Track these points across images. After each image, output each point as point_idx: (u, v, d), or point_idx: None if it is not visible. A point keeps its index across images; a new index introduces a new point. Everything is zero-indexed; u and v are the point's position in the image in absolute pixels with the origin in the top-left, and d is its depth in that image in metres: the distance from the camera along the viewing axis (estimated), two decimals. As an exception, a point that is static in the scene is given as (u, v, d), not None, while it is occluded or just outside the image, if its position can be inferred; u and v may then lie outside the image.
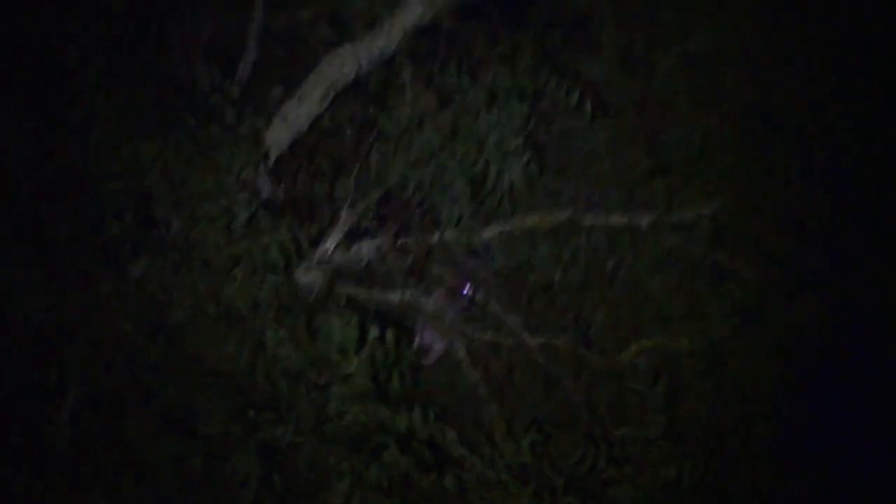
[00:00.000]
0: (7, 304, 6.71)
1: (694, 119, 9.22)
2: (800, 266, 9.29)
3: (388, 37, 7.89)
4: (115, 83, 6.80)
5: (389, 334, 6.51)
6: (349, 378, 6.44)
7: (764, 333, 9.14)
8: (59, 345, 6.63)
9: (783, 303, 9.25)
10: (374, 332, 6.50)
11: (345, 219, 7.89)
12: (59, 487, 6.50)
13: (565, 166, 9.14)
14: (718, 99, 9.19)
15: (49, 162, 6.81)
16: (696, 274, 8.95)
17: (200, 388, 6.58)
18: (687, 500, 7.33)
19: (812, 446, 9.57)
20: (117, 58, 6.86)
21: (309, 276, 7.48)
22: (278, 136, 7.55)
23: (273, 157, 7.51)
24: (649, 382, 6.89)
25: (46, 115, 6.87)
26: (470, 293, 8.35)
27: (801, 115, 9.31)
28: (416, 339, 8.08)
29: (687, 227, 8.77)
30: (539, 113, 7.79)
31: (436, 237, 8.15)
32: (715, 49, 9.11)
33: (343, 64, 7.78)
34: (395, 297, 8.06)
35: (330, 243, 7.77)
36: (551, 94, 8.11)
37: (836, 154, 9.46)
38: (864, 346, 10.19)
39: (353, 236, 8.01)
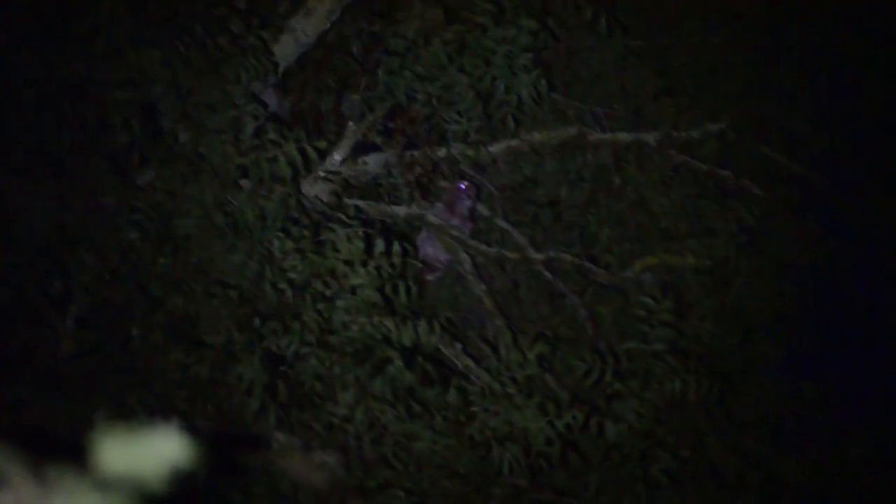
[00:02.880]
0: (13, 213, 6.71)
1: (703, 39, 9.20)
2: (806, 185, 9.29)
3: (397, -49, 7.87)
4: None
5: (395, 247, 6.51)
6: (355, 290, 6.45)
7: (769, 252, 9.16)
8: (65, 254, 6.63)
9: (789, 221, 9.26)
10: (380, 245, 6.50)
11: (352, 132, 7.88)
12: (63, 396, 6.53)
13: (573, 84, 9.13)
14: (727, 19, 9.17)
15: (54, 71, 6.78)
16: (703, 191, 8.95)
17: (206, 298, 6.59)
18: (691, 416, 7.37)
19: (816, 366, 9.60)
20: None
21: (316, 189, 7.48)
22: (285, 50, 7.53)
23: (280, 70, 7.49)
24: (655, 298, 6.88)
25: (51, 24, 6.84)
26: (475, 207, 8.36)
27: (809, 34, 9.29)
28: (421, 252, 8.10)
29: (694, 145, 8.76)
30: (547, 30, 7.72)
31: (442, 152, 8.14)
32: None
33: (350, -23, 7.76)
34: (401, 210, 8.07)
35: (337, 156, 7.77)
36: (560, 10, 8.07)
37: (845, 73, 9.45)
38: (870, 265, 10.22)
39: (359, 150, 8.00)
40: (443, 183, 8.32)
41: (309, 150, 6.71)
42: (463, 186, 8.20)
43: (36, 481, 1.44)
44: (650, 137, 8.65)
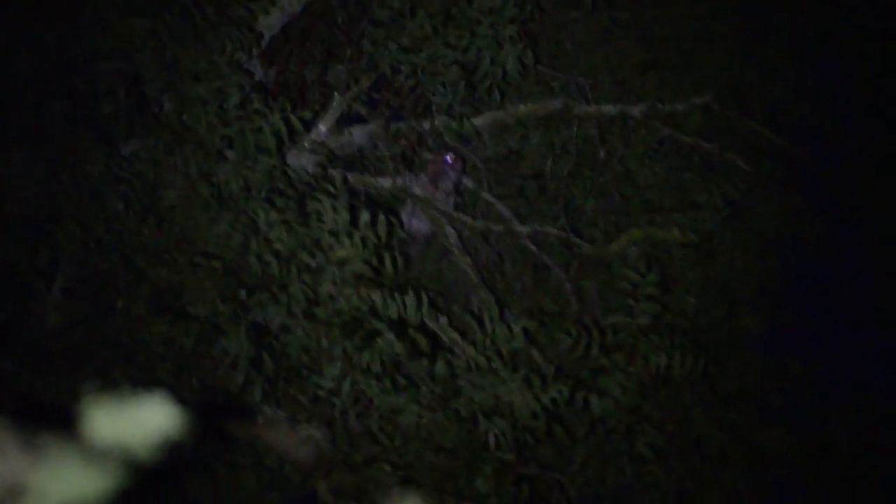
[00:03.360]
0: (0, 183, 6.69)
1: (687, 12, 9.19)
2: (791, 158, 9.29)
3: (383, -80, 7.82)
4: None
5: (381, 219, 6.49)
6: (341, 262, 6.43)
7: (754, 225, 9.17)
8: (51, 224, 6.61)
9: (774, 195, 9.27)
10: (365, 216, 6.47)
11: (337, 104, 7.85)
12: (49, 367, 6.51)
13: (558, 56, 9.12)
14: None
15: (41, 40, 6.75)
16: (687, 165, 8.96)
17: (191, 269, 6.57)
18: (676, 390, 7.37)
19: (800, 340, 9.63)
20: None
21: (301, 160, 7.46)
22: (271, 20, 7.49)
23: (266, 40, 7.45)
24: (640, 272, 6.88)
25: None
26: (460, 179, 8.35)
27: (793, 7, 9.29)
28: (406, 224, 8.08)
29: (679, 118, 8.75)
30: (533, 1, 7.70)
31: (427, 124, 8.12)
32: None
33: (336, -53, 7.73)
34: (386, 182, 8.06)
35: (322, 127, 7.75)
36: (546, -19, 8.07)
37: (830, 46, 9.45)
38: (855, 239, 10.23)
39: (345, 121, 7.98)
40: (428, 155, 8.30)
41: (294, 120, 6.68)
42: (448, 159, 8.19)
43: (25, 449, 1.43)
44: (635, 110, 8.64)
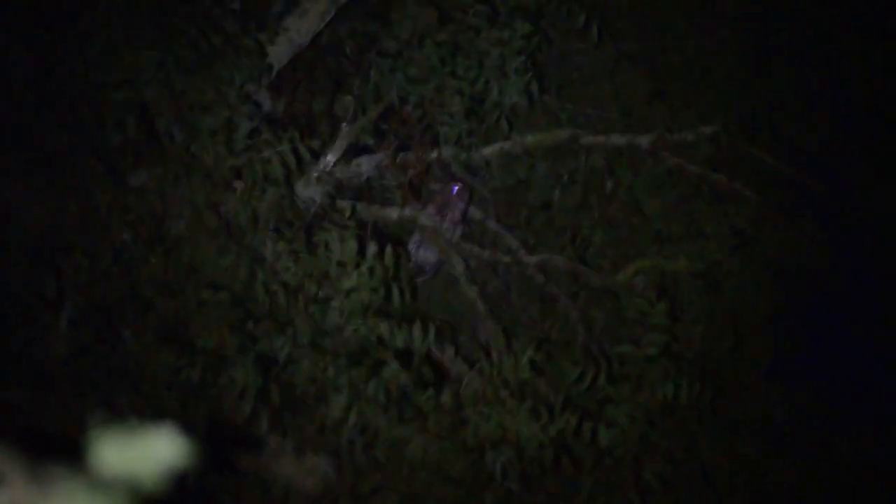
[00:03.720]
0: (6, 213, 6.70)
1: (694, 43, 9.22)
2: (799, 188, 9.29)
3: (391, -48, 7.87)
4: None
5: (388, 250, 6.50)
6: (348, 292, 6.44)
7: (762, 255, 9.17)
8: (58, 255, 6.62)
9: (782, 224, 9.27)
10: (373, 247, 6.49)
11: (344, 134, 7.88)
12: (56, 397, 6.51)
13: (565, 87, 9.14)
14: (718, 22, 9.19)
15: (50, 72, 6.78)
16: (695, 194, 8.97)
17: (198, 300, 6.58)
18: (684, 419, 7.37)
19: (808, 370, 9.61)
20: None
21: (309, 191, 7.48)
22: (279, 51, 7.52)
23: (274, 70, 7.48)
24: (648, 301, 6.88)
25: (47, 24, 6.84)
26: (467, 210, 8.36)
27: (800, 36, 9.31)
28: (412, 254, 8.10)
29: (686, 148, 8.76)
30: (540, 33, 7.72)
31: (435, 154, 8.14)
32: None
33: (345, -21, 7.76)
34: (393, 213, 8.07)
35: (330, 158, 7.77)
36: (553, 14, 8.08)
37: (836, 75, 9.46)
38: (863, 269, 10.23)
39: (352, 152, 8.01)
40: (435, 185, 8.32)
41: (302, 150, 6.69)
42: (455, 189, 8.20)
43: (32, 480, 1.44)
44: (643, 140, 8.65)
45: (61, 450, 1.62)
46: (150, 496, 1.50)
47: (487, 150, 8.29)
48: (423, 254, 8.19)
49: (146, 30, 6.63)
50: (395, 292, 6.52)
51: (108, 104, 6.68)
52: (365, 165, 8.07)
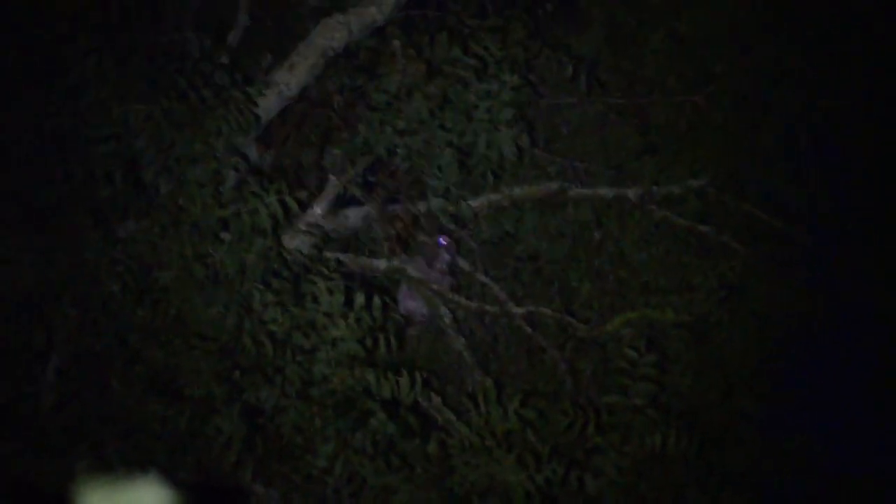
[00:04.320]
0: (-6, 263, 6.74)
1: (682, 97, 9.26)
2: (786, 241, 9.33)
3: (380, 7, 7.92)
4: (106, 48, 6.80)
5: (376, 300, 6.52)
6: (336, 343, 6.46)
7: (751, 307, 9.19)
8: (46, 305, 6.64)
9: (769, 277, 9.30)
10: (360, 298, 6.51)
11: (332, 186, 7.91)
12: (43, 447, 6.52)
13: (554, 139, 9.19)
14: (706, 78, 9.24)
15: (39, 125, 6.82)
16: (683, 247, 9.00)
17: (186, 350, 6.59)
18: (671, 470, 7.36)
19: (796, 423, 9.61)
20: (108, 23, 6.86)
21: (296, 241, 7.50)
22: (268, 103, 7.55)
23: (263, 123, 7.51)
24: (636, 352, 6.90)
25: (38, 78, 6.89)
26: (455, 261, 8.38)
27: (787, 93, 9.36)
28: (401, 305, 8.12)
29: (675, 201, 8.80)
30: (529, 86, 7.78)
31: (423, 206, 8.16)
32: (703, 29, 9.15)
33: (334, 33, 7.80)
34: (381, 264, 8.09)
35: (318, 209, 7.79)
36: (542, 67, 8.14)
37: (824, 129, 9.52)
38: (852, 321, 10.24)
39: (340, 203, 8.03)
40: (423, 237, 8.33)
41: (290, 201, 6.72)
42: (443, 241, 8.22)
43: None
44: (631, 193, 8.71)
45: (50, 501, 1.66)
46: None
47: (475, 203, 8.32)
48: (412, 305, 8.20)
49: (135, 83, 6.68)
50: (382, 342, 6.54)
51: (96, 157, 6.71)
52: (352, 217, 8.09)
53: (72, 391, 6.76)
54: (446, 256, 8.22)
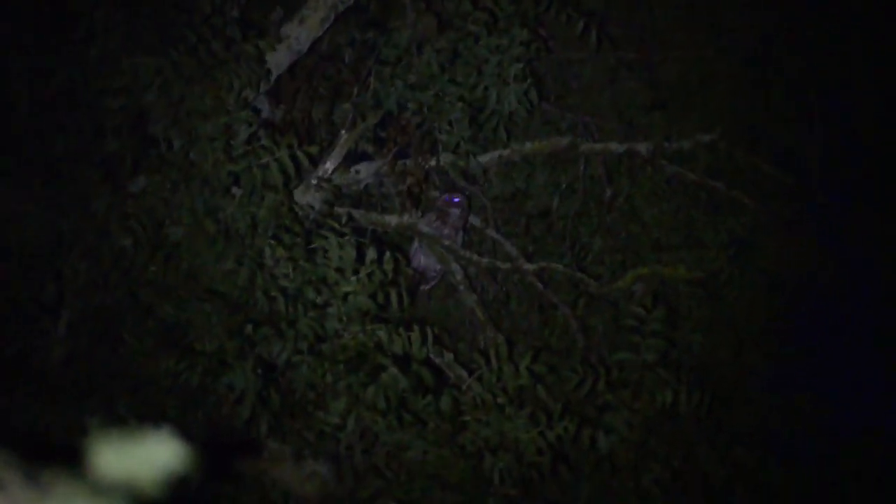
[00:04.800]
0: (6, 219, 6.71)
1: (693, 51, 9.22)
2: (798, 196, 9.30)
3: (390, -40, 7.88)
4: (114, 1, 6.77)
5: (387, 256, 6.50)
6: (347, 298, 6.44)
7: (761, 263, 9.18)
8: (57, 260, 6.63)
9: (780, 233, 9.27)
10: (371, 253, 6.49)
11: (343, 141, 7.88)
12: (54, 401, 6.52)
13: (564, 95, 9.16)
14: (716, 32, 9.20)
15: (48, 78, 6.79)
16: (694, 202, 8.99)
17: (198, 305, 6.58)
18: (682, 427, 7.37)
19: (806, 380, 9.60)
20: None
21: (307, 197, 7.48)
22: (278, 57, 7.51)
23: (273, 77, 7.47)
24: (647, 309, 6.89)
25: (46, 31, 6.85)
26: (466, 217, 8.36)
27: (799, 47, 9.31)
28: (414, 262, 8.11)
29: (685, 156, 8.77)
30: (539, 40, 7.73)
31: (434, 161, 8.14)
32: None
33: (344, -14, 7.76)
34: (392, 220, 8.07)
35: (328, 165, 7.77)
36: (552, 22, 8.09)
37: (835, 85, 9.47)
38: (862, 277, 10.22)
39: (351, 159, 8.01)
40: (434, 193, 8.32)
41: (301, 156, 6.68)
42: (456, 199, 8.20)
43: (31, 485, 1.44)
44: (642, 148, 8.66)
45: (60, 454, 1.63)
46: (149, 501, 1.50)
47: (486, 158, 8.28)
48: (424, 261, 8.19)
49: (144, 36, 6.64)
50: (394, 298, 6.52)
51: (106, 110, 6.68)
52: (364, 172, 8.07)
53: (82, 346, 6.75)
54: (458, 212, 8.21)
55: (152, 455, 1.51)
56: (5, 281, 6.59)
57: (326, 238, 6.49)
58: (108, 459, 1.49)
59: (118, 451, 1.49)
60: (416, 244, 8.18)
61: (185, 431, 1.65)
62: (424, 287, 8.29)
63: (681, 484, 7.42)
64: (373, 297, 6.43)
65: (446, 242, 8.06)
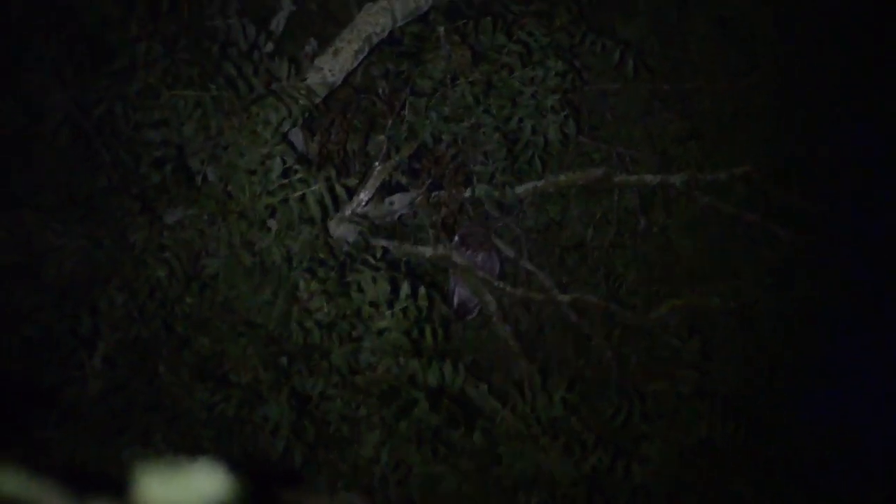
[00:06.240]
0: (43, 251, 6.76)
1: (727, 83, 9.24)
2: (833, 228, 9.29)
3: (424, -8, 7.91)
4: (155, 34, 6.81)
5: (422, 289, 6.51)
6: (381, 332, 6.45)
7: (796, 294, 9.16)
8: (93, 292, 6.67)
9: (814, 265, 9.26)
10: (406, 288, 6.50)
11: (377, 173, 7.90)
12: (90, 434, 6.54)
13: (599, 126, 9.18)
14: (751, 63, 9.22)
15: (87, 110, 6.85)
16: (729, 234, 8.99)
17: (233, 337, 6.60)
18: (717, 458, 7.35)
19: (843, 409, 9.58)
20: (156, 8, 6.87)
21: (342, 229, 7.50)
22: (313, 90, 7.54)
23: (308, 111, 7.50)
24: (681, 339, 6.89)
25: (87, 65, 6.91)
26: (500, 249, 8.38)
27: (833, 79, 9.33)
28: (455, 296, 8.12)
29: (720, 188, 8.77)
30: (574, 71, 7.76)
31: (468, 193, 8.15)
32: (747, 14, 9.13)
33: (378, 18, 7.78)
34: (426, 251, 8.08)
35: (363, 197, 7.79)
36: (586, 53, 8.11)
37: (870, 117, 9.47)
38: (898, 308, 10.20)
39: (385, 191, 8.03)
40: (468, 224, 8.33)
41: (339, 189, 6.70)
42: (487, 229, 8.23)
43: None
44: (676, 179, 8.66)
45: (100, 486, 1.64)
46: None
47: (521, 189, 8.30)
48: (464, 293, 8.20)
49: (183, 69, 6.68)
50: (428, 332, 6.53)
51: (144, 143, 6.73)
52: (398, 204, 8.09)
53: (119, 378, 6.78)
54: (492, 244, 8.23)
55: (194, 486, 1.52)
56: (41, 313, 6.62)
57: (360, 272, 6.51)
58: (150, 490, 1.50)
59: (160, 482, 1.51)
60: (453, 277, 8.18)
61: (220, 463, 1.66)
62: (469, 317, 8.29)
63: (716, 516, 7.42)
64: (407, 333, 6.44)
65: (480, 274, 8.06)
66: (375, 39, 7.80)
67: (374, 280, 6.46)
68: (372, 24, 7.76)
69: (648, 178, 8.72)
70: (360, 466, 6.73)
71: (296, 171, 6.72)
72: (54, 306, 6.68)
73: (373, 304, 6.46)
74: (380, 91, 8.37)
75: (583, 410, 6.88)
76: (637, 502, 7.01)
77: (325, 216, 6.93)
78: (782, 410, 9.02)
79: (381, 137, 8.14)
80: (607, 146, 8.97)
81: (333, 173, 6.78)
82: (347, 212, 7.63)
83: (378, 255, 7.06)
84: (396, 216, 8.16)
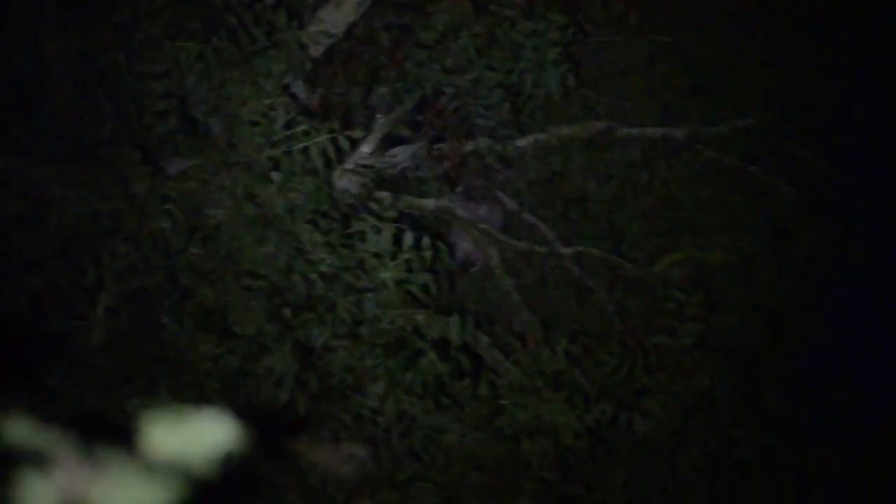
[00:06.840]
0: (46, 201, 6.76)
1: (729, 36, 9.20)
2: (834, 180, 9.27)
3: (426, -56, 7.88)
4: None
5: (425, 239, 6.51)
6: (385, 283, 6.46)
7: (797, 247, 9.15)
8: (97, 243, 6.66)
9: (817, 217, 9.25)
10: (408, 238, 6.50)
11: (380, 125, 7.88)
12: (94, 384, 6.56)
13: (601, 79, 9.14)
14: (753, 17, 9.17)
15: (91, 61, 6.83)
16: (731, 187, 8.97)
17: (237, 289, 6.60)
18: (719, 411, 7.38)
19: (844, 362, 9.57)
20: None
21: (344, 182, 7.49)
22: (315, 42, 7.51)
23: (310, 62, 7.48)
24: (684, 293, 6.90)
25: (90, 14, 6.89)
26: (503, 201, 8.37)
27: (837, 31, 9.28)
28: (458, 248, 8.11)
29: (722, 141, 8.75)
30: (575, 25, 7.73)
31: (471, 145, 8.14)
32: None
33: (380, -30, 7.77)
34: (429, 203, 8.07)
35: (365, 149, 7.77)
36: (588, 6, 8.08)
37: (874, 68, 9.42)
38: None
39: (388, 143, 8.01)
40: (471, 176, 8.32)
41: (342, 139, 6.69)
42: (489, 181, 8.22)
43: (86, 463, 1.46)
44: (678, 133, 8.64)
45: (110, 434, 1.65)
46: (199, 478, 1.52)
47: (523, 142, 8.28)
48: (466, 246, 8.18)
49: (186, 21, 6.67)
50: (432, 283, 6.53)
51: (148, 94, 6.72)
52: (400, 156, 8.08)
53: (122, 328, 6.79)
54: (494, 196, 8.22)
55: (203, 433, 1.53)
56: (46, 264, 6.62)
57: (364, 222, 6.51)
58: (160, 438, 1.51)
59: (169, 430, 1.51)
60: (458, 230, 8.16)
61: (225, 412, 1.67)
62: (473, 269, 8.28)
63: (717, 468, 7.44)
64: (410, 282, 6.45)
65: (483, 226, 8.06)
66: (378, -9, 7.78)
67: (377, 231, 6.46)
68: (374, -25, 7.75)
69: (650, 131, 8.71)
70: (363, 417, 6.75)
71: (299, 123, 6.72)
72: (58, 256, 6.68)
73: (376, 255, 6.46)
74: (382, 43, 8.34)
75: (585, 363, 6.89)
76: (639, 454, 7.04)
77: (329, 168, 6.92)
78: (783, 363, 9.01)
79: (384, 90, 8.12)
80: (609, 99, 8.93)
81: (337, 125, 6.77)
82: (350, 164, 7.62)
83: (381, 206, 7.06)
84: (399, 168, 8.14)
